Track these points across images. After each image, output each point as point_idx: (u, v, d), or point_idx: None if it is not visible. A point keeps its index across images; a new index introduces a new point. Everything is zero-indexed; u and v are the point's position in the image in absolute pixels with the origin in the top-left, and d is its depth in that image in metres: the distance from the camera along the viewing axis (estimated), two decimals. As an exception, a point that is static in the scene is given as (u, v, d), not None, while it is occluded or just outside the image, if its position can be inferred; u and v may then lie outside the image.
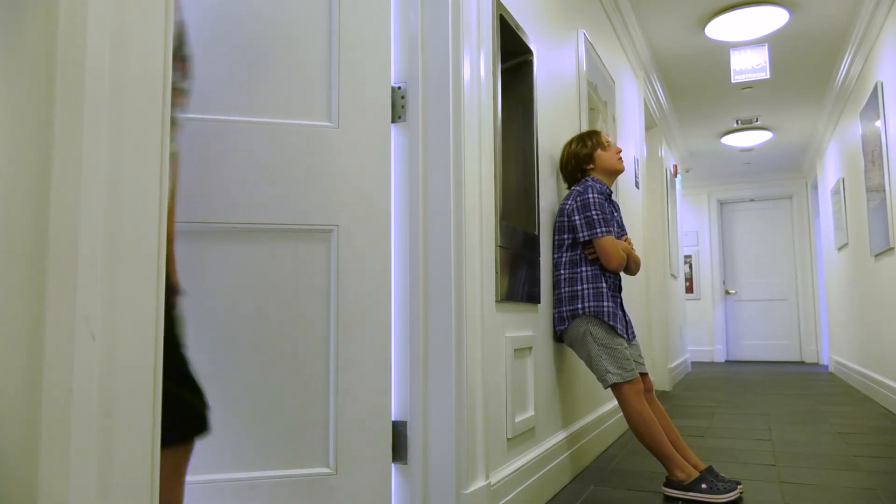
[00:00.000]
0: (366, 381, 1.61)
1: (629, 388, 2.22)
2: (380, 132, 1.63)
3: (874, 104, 4.27)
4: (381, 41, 1.66)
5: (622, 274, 2.45)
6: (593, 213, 2.29)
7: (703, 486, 2.12)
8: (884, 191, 4.09)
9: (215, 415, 1.22)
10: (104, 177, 0.82)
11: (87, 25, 0.81)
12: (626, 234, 2.47)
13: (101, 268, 0.81)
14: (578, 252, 2.36)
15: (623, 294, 2.49)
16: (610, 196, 2.42)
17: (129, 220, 0.85)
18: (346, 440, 1.57)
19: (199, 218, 1.47)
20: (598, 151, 2.43)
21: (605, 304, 2.29)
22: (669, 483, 2.18)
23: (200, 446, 1.13)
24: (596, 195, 2.31)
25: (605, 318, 2.27)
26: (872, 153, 4.38)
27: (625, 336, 2.32)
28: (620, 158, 2.47)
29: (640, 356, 2.39)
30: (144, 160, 0.88)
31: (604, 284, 2.32)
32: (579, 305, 2.32)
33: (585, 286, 2.32)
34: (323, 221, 1.57)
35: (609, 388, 2.26)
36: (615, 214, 2.43)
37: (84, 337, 0.78)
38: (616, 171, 2.46)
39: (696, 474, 2.15)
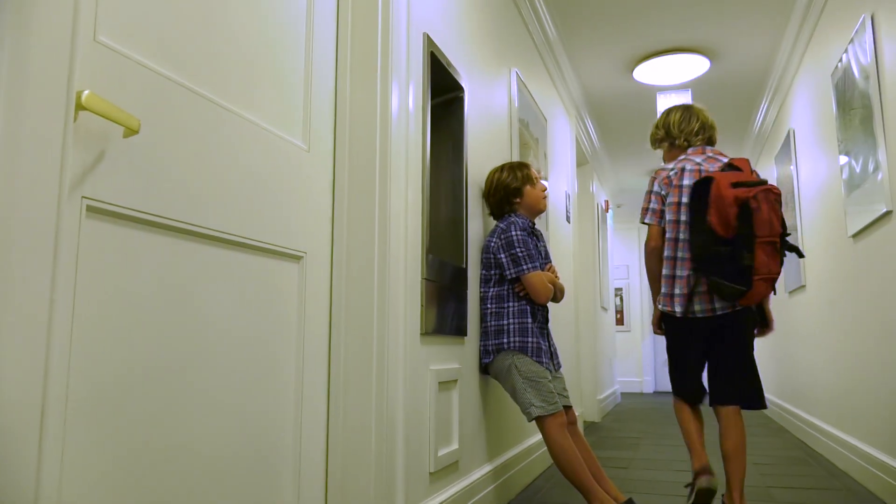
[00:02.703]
0: (317, 415, 1.61)
1: (552, 420, 2.24)
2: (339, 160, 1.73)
3: (787, 150, 4.54)
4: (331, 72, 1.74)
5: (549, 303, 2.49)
6: (518, 250, 2.33)
7: (622, 518, 2.15)
8: (796, 231, 4.32)
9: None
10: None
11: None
12: (551, 262, 2.52)
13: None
14: (505, 287, 2.39)
15: (550, 325, 2.53)
16: (533, 227, 2.46)
17: (19, 255, 0.82)
18: (313, 476, 1.53)
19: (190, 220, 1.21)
20: (527, 187, 2.46)
21: (530, 339, 2.32)
22: (590, 516, 2.21)
23: None
24: (518, 232, 2.35)
25: (530, 354, 2.30)
26: (786, 195, 4.63)
27: (550, 368, 2.35)
28: (545, 197, 2.51)
29: (564, 389, 2.42)
30: (40, 195, 0.85)
31: (529, 319, 2.35)
32: (504, 340, 2.34)
33: (511, 321, 2.35)
34: (295, 246, 1.53)
35: (533, 421, 2.28)
36: (539, 244, 2.47)
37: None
38: (539, 212, 2.50)
39: (615, 507, 2.18)
